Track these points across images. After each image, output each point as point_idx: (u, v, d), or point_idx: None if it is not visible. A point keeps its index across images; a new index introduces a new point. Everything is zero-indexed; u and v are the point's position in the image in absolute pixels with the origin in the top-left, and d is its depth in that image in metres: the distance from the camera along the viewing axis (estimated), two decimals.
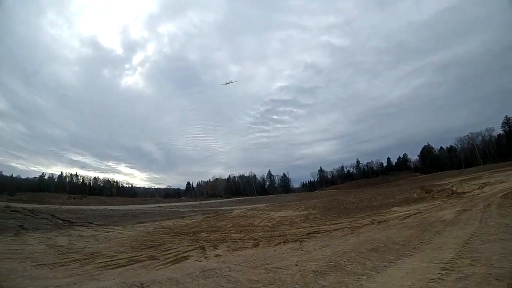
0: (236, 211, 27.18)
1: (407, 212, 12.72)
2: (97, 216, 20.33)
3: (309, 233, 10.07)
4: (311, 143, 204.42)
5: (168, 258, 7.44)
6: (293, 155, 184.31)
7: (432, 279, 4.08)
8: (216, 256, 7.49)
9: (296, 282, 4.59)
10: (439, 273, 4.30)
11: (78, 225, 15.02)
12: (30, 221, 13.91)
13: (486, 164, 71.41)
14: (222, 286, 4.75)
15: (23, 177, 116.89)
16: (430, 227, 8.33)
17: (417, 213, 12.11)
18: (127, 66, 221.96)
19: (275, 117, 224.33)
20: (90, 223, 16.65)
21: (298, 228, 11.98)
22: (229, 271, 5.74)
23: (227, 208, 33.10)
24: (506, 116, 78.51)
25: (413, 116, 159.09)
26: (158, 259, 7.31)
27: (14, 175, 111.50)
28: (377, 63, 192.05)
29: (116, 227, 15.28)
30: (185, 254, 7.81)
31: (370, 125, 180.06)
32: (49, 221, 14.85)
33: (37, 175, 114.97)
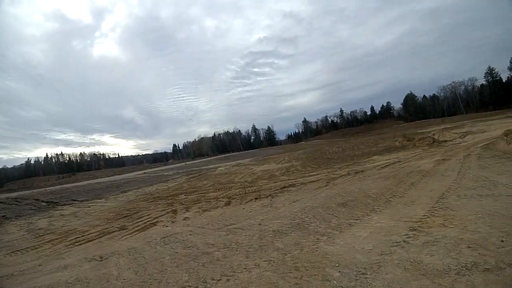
0: (221, 168, 27.57)
1: (386, 161, 12.88)
2: (81, 192, 20.29)
3: (284, 187, 10.23)
4: (295, 94, 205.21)
5: (138, 226, 7.66)
6: (278, 108, 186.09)
7: (397, 242, 3.83)
8: (184, 219, 7.68)
9: (252, 245, 4.65)
10: (406, 234, 4.06)
11: (61, 205, 15.10)
12: (13, 209, 13.90)
13: (468, 113, 71.68)
14: (177, 252, 4.93)
15: (10, 166, 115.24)
16: (406, 178, 8.35)
17: (395, 162, 12.23)
18: (97, 34, 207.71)
19: (256, 69, 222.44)
20: (74, 200, 16.78)
21: (275, 182, 12.17)
22: (190, 235, 5.94)
23: (212, 166, 33.40)
24: (489, 67, 77.96)
25: (397, 65, 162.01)
26: (128, 229, 7.52)
27: (0, 166, 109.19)
28: (360, 10, 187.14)
29: (98, 200, 15.44)
30: (155, 220, 8.03)
31: (354, 74, 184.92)
32: (33, 206, 14.87)
33: (23, 162, 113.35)
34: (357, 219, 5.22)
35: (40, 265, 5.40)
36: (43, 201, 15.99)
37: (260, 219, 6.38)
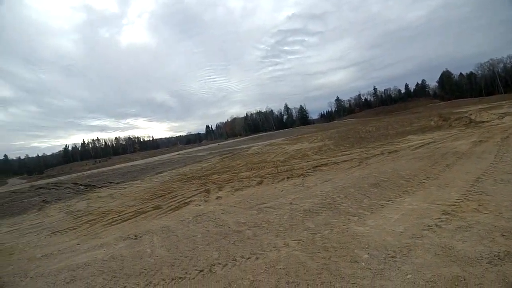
0: (253, 148, 27.88)
1: (421, 141, 12.52)
2: (117, 175, 21.77)
3: (316, 167, 10.21)
4: (326, 72, 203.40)
5: (172, 205, 8.00)
6: (309, 86, 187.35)
7: (429, 225, 3.75)
8: (216, 198, 7.91)
9: (282, 224, 4.70)
10: (438, 218, 3.97)
11: (98, 187, 16.30)
12: (53, 193, 15.27)
13: (507, 93, 66.47)
14: (208, 230, 5.08)
15: (48, 153, 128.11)
16: (441, 159, 8.08)
17: (431, 142, 11.85)
18: (124, 21, 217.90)
19: (286, 48, 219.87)
20: (110, 182, 18.02)
21: (308, 161, 12.19)
22: (222, 214, 6.10)
23: (245, 146, 33.99)
24: None
25: (431, 40, 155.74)
26: (162, 208, 7.89)
27: (39, 154, 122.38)
28: None
29: (134, 182, 16.38)
30: (188, 200, 8.34)
31: (386, 50, 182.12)
32: (71, 190, 16.23)
33: (61, 149, 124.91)
34: (389, 200, 5.14)
35: (78, 244, 5.84)
36: (81, 185, 17.43)
37: (291, 198, 6.40)
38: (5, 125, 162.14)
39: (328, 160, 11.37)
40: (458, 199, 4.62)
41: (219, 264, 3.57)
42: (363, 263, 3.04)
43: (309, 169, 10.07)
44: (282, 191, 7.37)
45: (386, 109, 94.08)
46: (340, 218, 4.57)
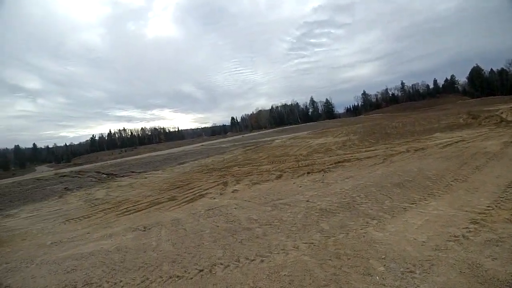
0: (277, 141, 27.59)
1: (449, 140, 11.87)
2: (140, 164, 22.35)
3: (338, 162, 9.90)
4: (354, 65, 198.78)
5: (187, 197, 7.97)
6: (336, 79, 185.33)
7: (455, 236, 3.35)
8: (233, 192, 7.77)
9: (295, 223, 4.43)
10: (466, 227, 3.53)
11: (120, 176, 16.79)
12: (76, 181, 15.85)
13: None
14: (217, 226, 4.91)
15: (76, 143, 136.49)
16: (470, 160, 7.51)
17: (459, 141, 11.18)
18: (150, 14, 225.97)
19: (312, 40, 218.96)
20: (132, 172, 18.51)
21: (330, 156, 11.86)
22: (235, 208, 5.92)
23: (269, 139, 33.73)
24: None
25: (461, 33, 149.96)
26: (177, 199, 7.88)
27: (67, 144, 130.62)
28: None
29: (155, 172, 16.72)
30: (205, 192, 8.27)
31: (414, 43, 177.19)
32: (94, 178, 16.81)
33: (88, 138, 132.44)
34: (412, 203, 4.70)
35: (88, 233, 5.91)
36: (103, 173, 18.02)
37: (309, 195, 6.11)
38: (34, 115, 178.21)
39: (351, 156, 10.99)
40: (489, 207, 4.18)
41: (221, 264, 3.36)
42: (377, 277, 2.71)
43: (330, 164, 9.73)
44: (300, 187, 7.09)
45: (414, 105, 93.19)
46: (358, 220, 4.22)
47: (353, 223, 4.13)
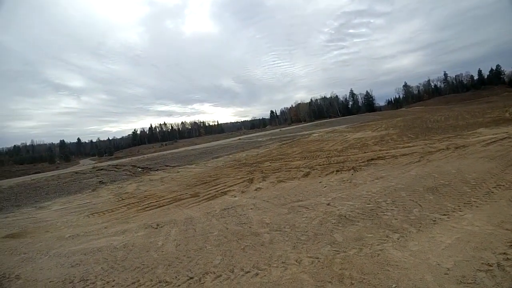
0: (314, 135, 27.06)
1: (493, 136, 10.68)
2: (175, 158, 23.07)
3: (371, 159, 9.35)
4: (395, 56, 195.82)
5: (209, 194, 7.95)
6: (377, 71, 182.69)
7: (488, 264, 2.72)
8: (255, 190, 7.61)
9: (307, 231, 4.09)
10: (504, 253, 2.85)
11: (154, 170, 17.43)
12: (111, 175, 16.73)
13: None
14: (227, 228, 4.76)
15: (118, 137, 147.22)
16: None
17: (505, 138, 10.03)
18: (186, 12, 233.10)
19: (351, 31, 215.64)
20: (167, 166, 19.15)
21: (365, 152, 11.28)
22: (251, 209, 5.75)
23: (306, 132, 33.22)
24: None
25: (508, 20, 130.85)
26: (199, 196, 7.89)
27: (110, 138, 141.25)
28: None
29: (189, 166, 17.11)
30: (228, 189, 8.20)
31: (458, 32, 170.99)
32: (128, 172, 17.65)
33: (130, 132, 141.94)
34: (444, 214, 4.06)
35: (105, 228, 6.09)
36: (139, 167, 18.88)
37: (332, 197, 5.73)
38: (78, 112, 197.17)
39: (387, 153, 10.34)
40: None
41: (213, 273, 3.19)
42: None
43: (363, 162, 9.22)
44: (325, 187, 6.71)
45: (457, 97, 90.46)
46: (377, 232, 3.74)
47: (371, 235, 3.67)
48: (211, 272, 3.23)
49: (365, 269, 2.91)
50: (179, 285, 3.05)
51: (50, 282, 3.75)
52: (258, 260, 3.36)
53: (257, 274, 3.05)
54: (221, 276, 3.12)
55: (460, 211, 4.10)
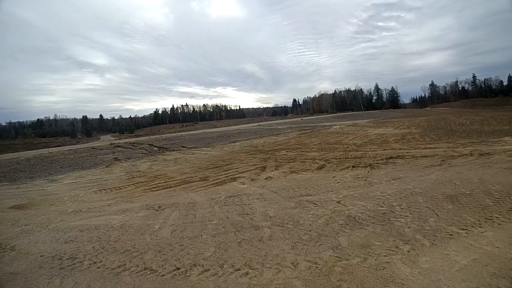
0: (335, 127, 26.48)
1: None
2: (192, 140, 23.11)
3: (390, 158, 8.90)
4: (423, 53, 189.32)
5: (218, 179, 7.84)
6: (403, 67, 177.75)
7: None
8: (266, 178, 7.41)
9: (310, 230, 3.82)
10: None
11: (170, 150, 17.54)
12: (127, 152, 16.87)
13: None
14: (227, 217, 4.57)
15: (140, 115, 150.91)
16: None
17: None
18: None
19: (380, 24, 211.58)
20: (183, 147, 19.24)
21: (384, 149, 10.80)
22: (257, 199, 5.54)
23: (327, 124, 32.62)
24: None
25: None
26: (208, 180, 7.80)
27: (132, 116, 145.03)
28: None
29: (205, 148, 17.15)
30: (238, 176, 8.06)
31: (489, 33, 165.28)
32: (145, 150, 17.79)
33: (152, 112, 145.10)
34: (463, 228, 3.59)
35: (109, 205, 6.07)
36: (155, 146, 19.03)
37: (343, 194, 5.41)
38: (101, 89, 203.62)
39: (407, 152, 9.85)
40: None
41: (201, 266, 3.01)
42: None
43: (381, 159, 8.79)
44: (338, 182, 6.39)
45: (485, 102, 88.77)
46: (386, 241, 3.38)
47: (379, 243, 3.32)
48: (199, 265, 3.05)
49: (366, 284, 2.58)
50: (163, 275, 2.90)
51: (41, 256, 3.72)
52: (251, 258, 3.14)
53: (247, 274, 2.83)
54: (209, 270, 2.93)
55: (480, 226, 3.64)
